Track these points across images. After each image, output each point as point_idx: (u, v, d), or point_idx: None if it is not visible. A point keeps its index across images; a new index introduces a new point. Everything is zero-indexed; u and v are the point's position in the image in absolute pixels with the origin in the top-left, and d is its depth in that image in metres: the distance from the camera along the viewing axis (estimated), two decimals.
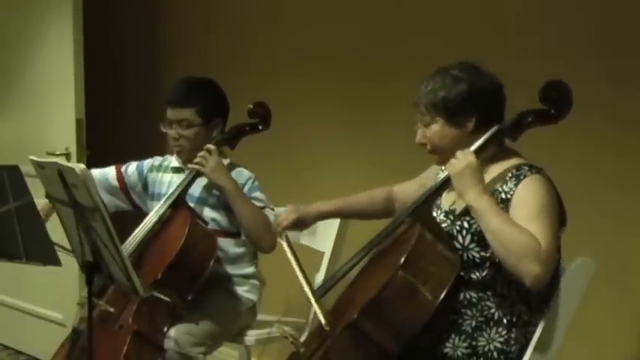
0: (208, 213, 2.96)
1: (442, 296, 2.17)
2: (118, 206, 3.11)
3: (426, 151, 2.39)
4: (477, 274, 2.25)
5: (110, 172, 3.11)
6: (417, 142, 2.37)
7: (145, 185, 3.10)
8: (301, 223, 2.66)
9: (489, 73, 2.32)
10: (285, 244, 2.57)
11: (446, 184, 2.31)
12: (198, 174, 2.92)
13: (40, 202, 2.66)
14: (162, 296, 2.69)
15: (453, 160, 2.24)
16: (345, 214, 2.78)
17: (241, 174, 2.97)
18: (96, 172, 3.06)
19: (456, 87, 2.28)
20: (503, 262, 2.13)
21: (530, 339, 2.26)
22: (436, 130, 2.31)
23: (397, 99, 3.41)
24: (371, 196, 2.69)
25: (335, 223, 3.07)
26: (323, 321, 2.23)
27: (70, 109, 4.02)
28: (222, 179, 2.88)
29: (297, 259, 2.51)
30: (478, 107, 2.28)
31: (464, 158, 2.21)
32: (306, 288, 2.38)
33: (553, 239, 2.15)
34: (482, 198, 2.16)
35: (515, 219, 2.16)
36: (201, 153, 2.90)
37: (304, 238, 3.17)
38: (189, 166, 2.92)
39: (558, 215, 2.23)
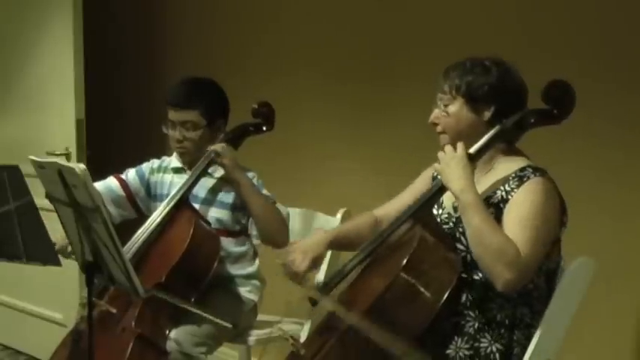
0: (211, 213, 2.95)
1: (444, 299, 2.16)
2: (124, 216, 3.07)
3: (434, 148, 2.37)
4: (480, 274, 2.24)
5: (112, 182, 3.06)
6: (431, 121, 2.36)
7: (148, 189, 3.08)
8: (318, 262, 2.48)
9: (519, 75, 2.32)
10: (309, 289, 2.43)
11: (438, 192, 2.31)
12: (203, 174, 2.92)
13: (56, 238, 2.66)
14: (167, 297, 2.69)
15: (440, 153, 2.24)
16: (342, 243, 2.58)
17: None
18: (98, 185, 2.98)
19: (484, 76, 2.28)
20: (477, 260, 2.14)
21: None
22: (454, 110, 2.31)
23: (402, 100, 3.43)
24: (358, 226, 2.58)
25: (335, 223, 3.06)
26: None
27: (70, 109, 4.02)
28: (239, 173, 2.88)
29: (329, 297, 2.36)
30: (499, 101, 2.28)
31: (450, 153, 2.21)
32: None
33: (536, 248, 2.14)
34: (468, 191, 2.15)
35: (507, 220, 2.16)
36: (217, 148, 2.86)
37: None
38: (208, 150, 2.87)
39: (556, 221, 2.22)
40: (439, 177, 2.32)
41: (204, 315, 2.73)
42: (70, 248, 2.74)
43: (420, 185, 2.54)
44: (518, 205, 2.19)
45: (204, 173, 2.92)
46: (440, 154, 2.24)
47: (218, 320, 2.72)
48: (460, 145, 2.22)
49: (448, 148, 2.24)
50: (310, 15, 3.78)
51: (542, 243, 2.17)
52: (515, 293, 2.23)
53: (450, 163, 2.20)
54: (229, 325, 2.72)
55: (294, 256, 2.43)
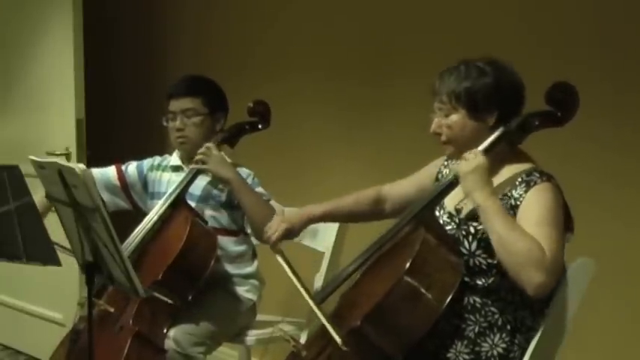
0: (209, 211, 2.96)
1: (446, 302, 2.14)
2: (118, 205, 3.11)
3: (433, 148, 2.37)
4: (483, 280, 2.23)
5: (110, 171, 3.11)
6: (432, 131, 2.31)
7: (145, 184, 3.10)
8: (291, 233, 2.56)
9: (513, 71, 2.29)
10: (280, 258, 2.47)
11: (451, 186, 2.28)
12: (199, 172, 2.92)
13: (37, 198, 2.65)
14: (164, 297, 2.68)
15: (462, 161, 2.20)
16: (334, 217, 2.66)
17: (241, 172, 2.96)
18: (96, 172, 3.06)
19: (481, 79, 2.24)
20: (506, 267, 2.11)
21: None
22: (456, 120, 2.26)
23: (400, 100, 3.42)
24: (358, 197, 2.61)
25: (335, 223, 3.06)
26: (338, 340, 2.13)
27: (70, 109, 4.02)
28: (227, 172, 2.87)
29: (295, 273, 2.40)
30: (501, 103, 2.24)
31: (474, 159, 2.18)
32: (311, 303, 2.26)
33: (559, 247, 2.12)
34: (490, 199, 2.13)
35: (523, 225, 2.13)
36: (201, 150, 2.89)
37: (305, 239, 3.17)
38: (191, 166, 2.92)
39: (565, 224, 2.21)
40: (446, 179, 2.30)
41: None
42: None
43: (425, 178, 2.52)
44: (530, 207, 2.17)
45: (200, 171, 2.93)
46: (461, 161, 2.20)
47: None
48: (479, 153, 2.19)
49: (468, 154, 2.20)
50: (308, 15, 3.78)
51: (562, 241, 2.15)
52: (518, 295, 2.21)
53: (474, 172, 2.16)
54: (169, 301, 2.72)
55: (271, 224, 2.56)
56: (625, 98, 2.82)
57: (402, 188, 2.58)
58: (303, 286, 2.36)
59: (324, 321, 2.20)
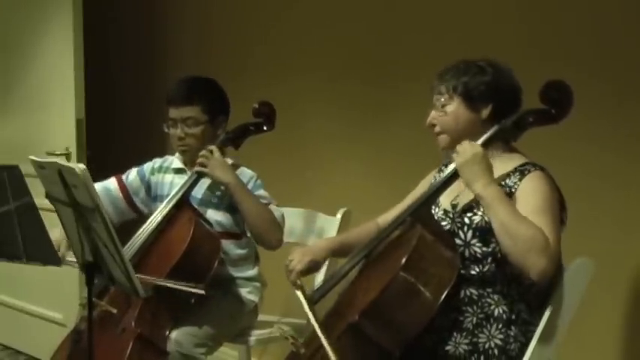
0: (211, 214, 2.94)
1: (443, 297, 2.17)
2: (124, 216, 3.07)
3: (436, 149, 2.39)
4: (478, 269, 2.26)
5: (111, 183, 3.07)
6: (428, 123, 2.38)
7: (149, 188, 3.08)
8: (316, 266, 2.53)
9: (511, 74, 2.35)
10: (300, 295, 2.39)
11: (446, 184, 2.31)
12: (201, 175, 2.91)
13: (55, 236, 2.65)
14: (184, 287, 2.67)
15: (459, 149, 2.23)
16: (345, 250, 2.59)
17: (244, 173, 2.96)
18: (98, 186, 2.98)
19: (480, 76, 2.31)
20: (509, 254, 2.13)
21: (530, 338, 2.26)
22: (451, 110, 2.33)
23: (403, 101, 3.42)
24: (363, 231, 2.60)
25: (335, 223, 3.07)
26: None
27: (70, 109, 4.02)
28: (226, 176, 2.86)
29: (313, 311, 2.34)
30: (496, 99, 2.30)
31: (471, 147, 2.21)
32: (325, 342, 2.19)
33: (558, 233, 2.16)
34: (490, 187, 2.16)
35: (520, 211, 2.16)
36: (202, 153, 2.89)
37: (306, 238, 3.18)
38: (194, 169, 2.90)
39: (560, 212, 2.24)
40: (447, 171, 2.31)
41: (177, 287, 2.69)
42: (62, 249, 2.75)
43: (420, 192, 2.53)
44: (525, 194, 2.21)
45: (202, 174, 2.92)
46: (458, 150, 2.24)
47: (190, 289, 2.68)
48: (477, 143, 2.23)
49: (466, 143, 2.23)
50: (311, 15, 3.78)
51: (559, 227, 2.19)
52: (514, 288, 2.25)
53: (472, 161, 2.19)
54: (202, 292, 2.67)
55: (293, 256, 2.51)
56: (623, 99, 2.82)
57: (395, 215, 2.56)
58: (319, 324, 2.28)
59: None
